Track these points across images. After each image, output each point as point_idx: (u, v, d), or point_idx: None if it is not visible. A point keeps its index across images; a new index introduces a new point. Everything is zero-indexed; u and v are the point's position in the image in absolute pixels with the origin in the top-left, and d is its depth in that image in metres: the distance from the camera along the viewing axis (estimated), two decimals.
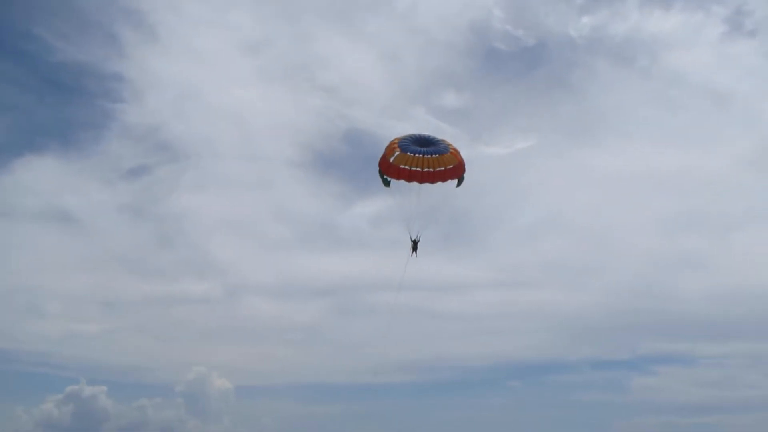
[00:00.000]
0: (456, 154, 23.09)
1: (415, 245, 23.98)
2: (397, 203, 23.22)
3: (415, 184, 23.25)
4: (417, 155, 23.09)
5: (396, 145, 23.49)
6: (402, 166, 23.23)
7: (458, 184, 23.51)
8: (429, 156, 22.94)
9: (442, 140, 23.47)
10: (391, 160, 23.43)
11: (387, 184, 23.56)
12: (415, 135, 23.50)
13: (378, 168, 23.70)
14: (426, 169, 23.09)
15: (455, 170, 22.93)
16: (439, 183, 23.23)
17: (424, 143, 23.25)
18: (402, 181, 23.40)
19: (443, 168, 23.03)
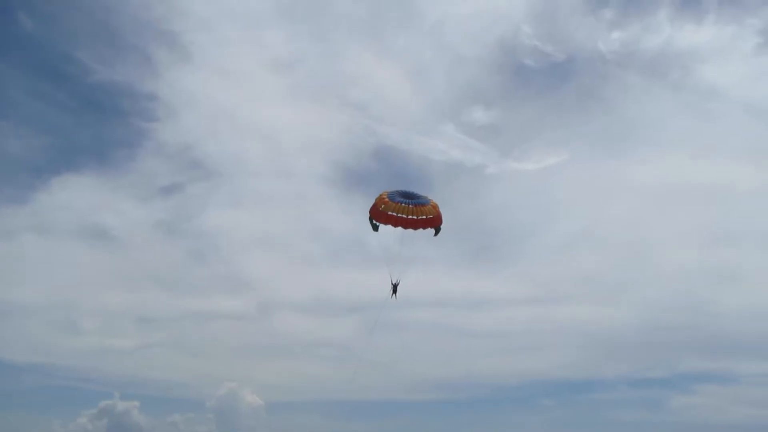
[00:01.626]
0: (435, 206, 27.88)
1: (395, 288, 28.06)
2: (383, 250, 27.64)
3: (399, 230, 27.84)
4: (402, 204, 27.86)
5: (385, 197, 28.22)
6: (390, 213, 27.86)
7: (435, 233, 28.12)
8: (413, 206, 27.73)
9: (424, 195, 28.39)
10: (381, 208, 28.10)
11: (375, 228, 28.09)
12: (401, 190, 28.34)
13: (369, 215, 28.29)
14: (410, 217, 27.77)
15: (434, 220, 27.60)
16: (420, 230, 27.83)
17: (408, 196, 28.07)
18: (389, 227, 27.98)
19: (424, 217, 27.68)
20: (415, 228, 27.59)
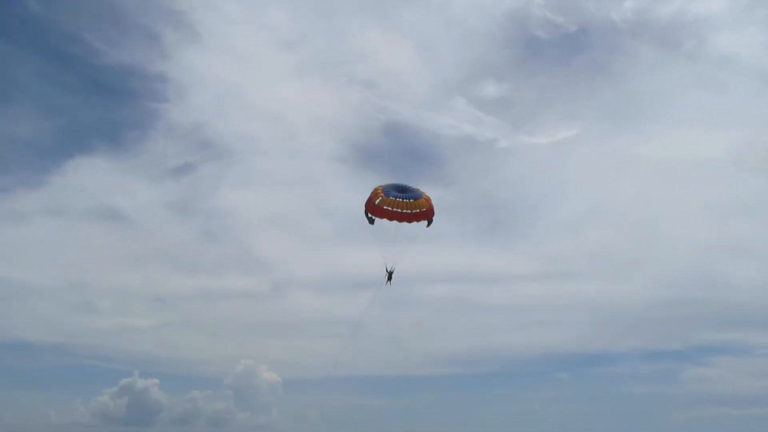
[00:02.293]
0: (428, 200, 28.80)
1: (390, 275, 29.10)
2: (378, 241, 28.62)
3: (394, 222, 28.80)
4: (397, 199, 28.75)
5: (380, 191, 29.11)
6: (385, 207, 28.78)
7: (428, 225, 29.07)
8: (406, 200, 28.63)
9: (417, 188, 29.25)
10: (376, 202, 28.99)
11: (371, 222, 29.03)
12: (394, 184, 29.27)
13: (364, 208, 29.22)
14: (404, 211, 28.70)
15: (426, 213, 28.58)
16: (415, 222, 28.81)
17: (402, 190, 28.97)
18: (384, 220, 28.92)
19: (418, 210, 28.64)
20: (410, 221, 28.52)
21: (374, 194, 29.13)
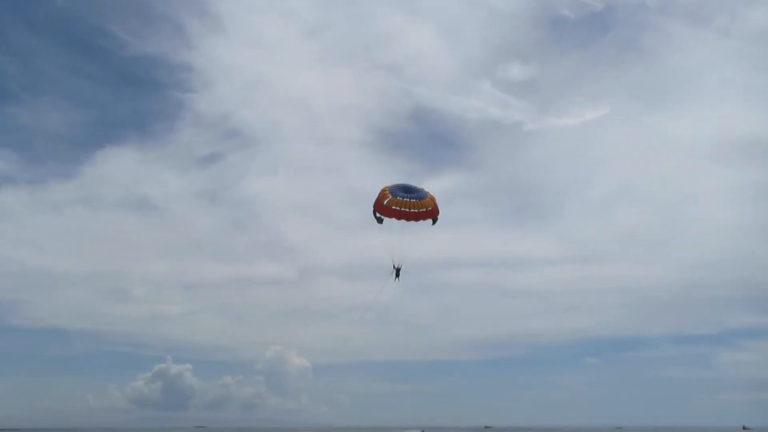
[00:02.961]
0: (433, 199, 30.25)
1: (397, 272, 30.52)
2: (385, 239, 30.06)
3: (402, 221, 30.23)
4: (404, 199, 30.19)
5: (387, 191, 30.60)
6: (393, 207, 30.27)
7: (433, 223, 30.45)
8: (413, 200, 30.07)
9: (422, 188, 30.68)
10: (384, 203, 30.49)
11: (380, 221, 30.51)
12: (401, 184, 30.72)
13: (373, 209, 30.68)
14: (411, 210, 30.14)
15: (431, 212, 30.06)
16: (421, 221, 30.24)
17: (408, 190, 30.42)
18: (393, 219, 30.39)
19: (424, 209, 30.13)
20: (417, 219, 29.95)
21: (382, 195, 30.57)
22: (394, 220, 30.18)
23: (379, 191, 30.91)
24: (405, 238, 29.53)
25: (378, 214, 30.36)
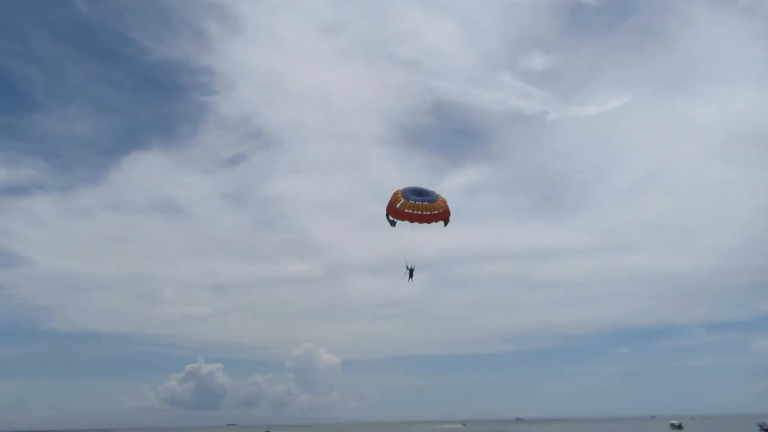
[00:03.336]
0: (444, 202, 30.57)
1: (411, 273, 30.87)
2: (398, 241, 30.41)
3: (415, 224, 30.55)
4: (416, 202, 30.51)
5: (400, 195, 30.94)
6: (406, 210, 30.62)
7: (445, 224, 30.73)
8: (425, 203, 30.37)
9: (433, 191, 30.96)
10: (397, 206, 30.84)
11: (393, 224, 30.88)
12: (412, 188, 31.04)
13: (386, 212, 31.03)
14: (424, 213, 30.47)
15: (443, 214, 30.40)
16: (433, 223, 30.53)
17: (420, 193, 30.74)
18: (405, 222, 30.72)
19: (436, 212, 30.45)
20: (429, 222, 30.26)
21: (394, 198, 30.92)
22: (406, 222, 30.48)
23: (391, 194, 31.16)
24: (425, 235, 29.94)
25: (391, 218, 30.70)
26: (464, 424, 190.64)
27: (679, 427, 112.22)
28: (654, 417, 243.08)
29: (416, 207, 30.32)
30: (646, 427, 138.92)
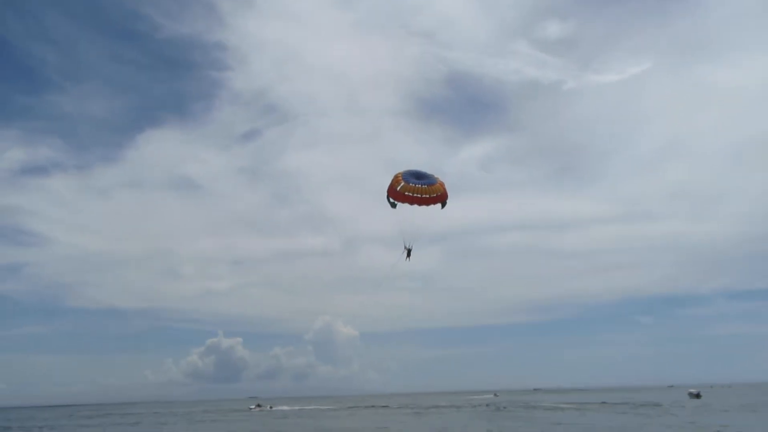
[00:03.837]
0: (442, 185, 31.66)
1: (408, 252, 32.13)
2: (398, 222, 31.62)
3: (415, 206, 31.71)
4: (416, 185, 31.59)
5: (400, 178, 32.02)
6: (406, 193, 31.77)
7: (442, 207, 31.86)
8: (423, 186, 31.46)
9: (432, 174, 32.03)
10: (398, 189, 31.95)
11: (394, 206, 32.04)
12: (412, 170, 32.10)
13: (387, 194, 32.17)
14: (423, 196, 31.57)
15: (441, 197, 31.52)
16: (431, 206, 31.68)
17: (419, 176, 31.80)
18: (406, 204, 31.90)
19: (435, 195, 31.57)
20: (427, 204, 31.36)
21: (395, 181, 32.03)
22: (406, 204, 31.62)
23: (392, 177, 32.26)
24: (424, 219, 31.17)
25: (391, 200, 31.83)
26: (495, 395, 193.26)
27: (698, 395, 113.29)
28: (672, 386, 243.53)
29: (416, 190, 31.41)
30: (663, 395, 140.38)
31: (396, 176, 32.22)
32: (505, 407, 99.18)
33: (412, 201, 31.50)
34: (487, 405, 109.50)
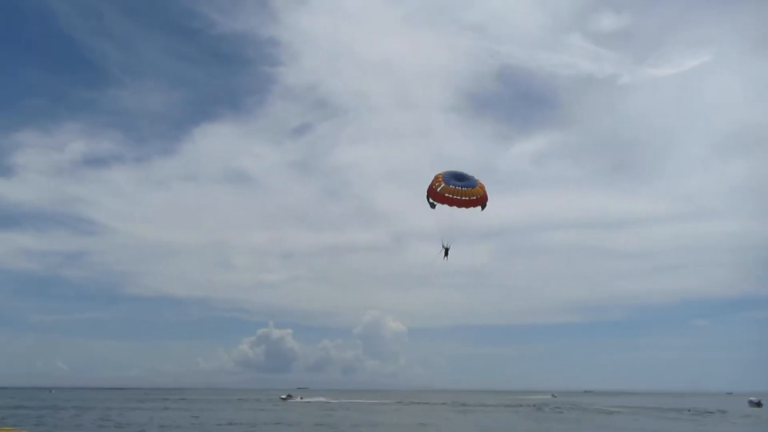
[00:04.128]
0: (482, 187, 31.18)
1: (446, 251, 31.89)
2: (437, 222, 31.36)
3: (454, 207, 31.42)
4: (456, 187, 31.27)
5: (441, 179, 31.75)
6: (446, 195, 31.49)
7: (482, 209, 31.43)
8: (464, 188, 31.10)
9: (472, 176, 31.60)
10: (438, 189, 31.70)
11: (433, 206, 31.83)
12: (453, 172, 31.77)
13: (426, 194, 31.99)
14: (463, 198, 31.25)
15: (481, 200, 31.06)
16: (471, 208, 31.32)
17: (460, 178, 31.45)
18: (445, 205, 31.65)
19: (475, 197, 31.17)
20: (467, 207, 31.01)
21: (436, 181, 31.78)
22: (446, 206, 31.33)
23: (432, 177, 32.02)
24: (452, 225, 30.82)
25: (431, 200, 31.61)
26: (553, 396, 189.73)
27: (758, 404, 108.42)
28: (731, 393, 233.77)
29: (456, 192, 31.04)
30: (721, 403, 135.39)
31: (436, 177, 31.92)
32: (557, 408, 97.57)
33: (451, 203, 31.18)
34: (535, 406, 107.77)
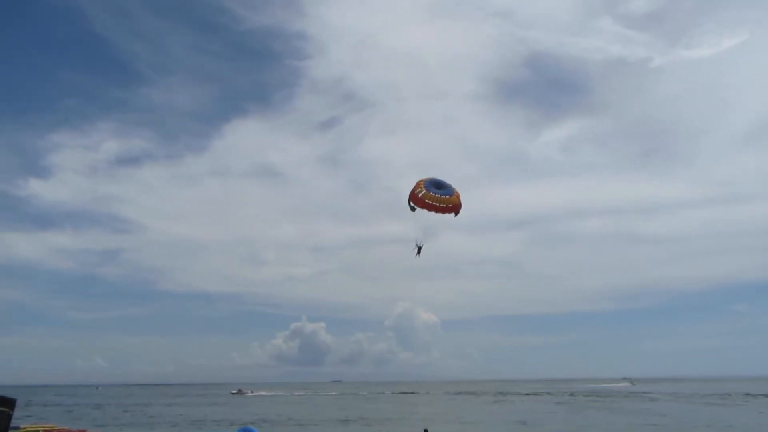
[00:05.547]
0: (458, 196, 33.22)
1: (419, 249, 33.83)
2: (416, 223, 33.31)
3: (432, 213, 33.36)
4: (435, 194, 33.20)
5: (422, 185, 33.72)
6: (426, 201, 33.46)
7: (455, 215, 33.29)
8: (442, 196, 33.02)
9: (450, 185, 33.47)
10: (420, 195, 33.68)
11: (413, 209, 33.85)
12: (433, 179, 33.64)
13: (408, 198, 33.94)
14: (440, 205, 33.18)
15: (455, 207, 33.06)
16: (446, 214, 33.22)
17: (439, 186, 33.34)
18: (424, 210, 33.59)
19: (450, 205, 33.12)
20: (443, 213, 32.96)
21: (417, 187, 33.77)
22: (425, 210, 33.26)
23: (415, 183, 33.85)
24: (429, 227, 32.81)
25: (412, 204, 33.56)
26: (632, 383, 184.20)
27: None
28: None
29: (434, 199, 33.09)
30: (764, 387, 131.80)
31: (418, 183, 33.93)
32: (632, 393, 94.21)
33: (430, 208, 33.23)
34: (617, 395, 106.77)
